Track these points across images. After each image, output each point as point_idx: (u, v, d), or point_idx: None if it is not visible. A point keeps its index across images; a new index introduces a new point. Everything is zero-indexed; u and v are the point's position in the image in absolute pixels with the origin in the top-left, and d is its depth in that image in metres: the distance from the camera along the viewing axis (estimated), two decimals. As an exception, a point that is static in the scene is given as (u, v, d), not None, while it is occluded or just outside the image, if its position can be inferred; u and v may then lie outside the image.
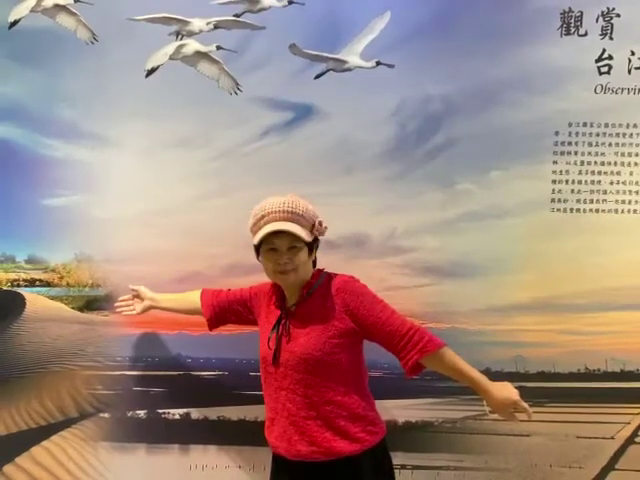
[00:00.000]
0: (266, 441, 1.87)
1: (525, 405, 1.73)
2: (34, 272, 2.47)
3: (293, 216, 1.74)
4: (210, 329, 2.11)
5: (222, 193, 2.42)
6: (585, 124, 2.39)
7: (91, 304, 2.48)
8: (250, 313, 2.00)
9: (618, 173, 2.42)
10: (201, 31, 2.34)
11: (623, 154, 2.41)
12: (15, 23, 2.34)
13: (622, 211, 2.43)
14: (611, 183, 2.42)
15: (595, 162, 2.41)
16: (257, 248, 1.79)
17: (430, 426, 2.48)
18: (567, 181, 2.42)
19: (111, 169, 2.42)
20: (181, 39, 2.35)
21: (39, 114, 2.39)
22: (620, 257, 2.42)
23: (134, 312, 2.22)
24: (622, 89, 2.37)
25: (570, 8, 2.32)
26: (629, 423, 2.47)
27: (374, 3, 2.33)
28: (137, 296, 2.23)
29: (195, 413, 2.48)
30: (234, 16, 2.34)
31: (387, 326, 1.75)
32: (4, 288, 2.48)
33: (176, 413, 2.48)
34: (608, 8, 2.33)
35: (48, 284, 2.47)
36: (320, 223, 1.79)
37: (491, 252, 2.43)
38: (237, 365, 2.46)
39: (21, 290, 2.48)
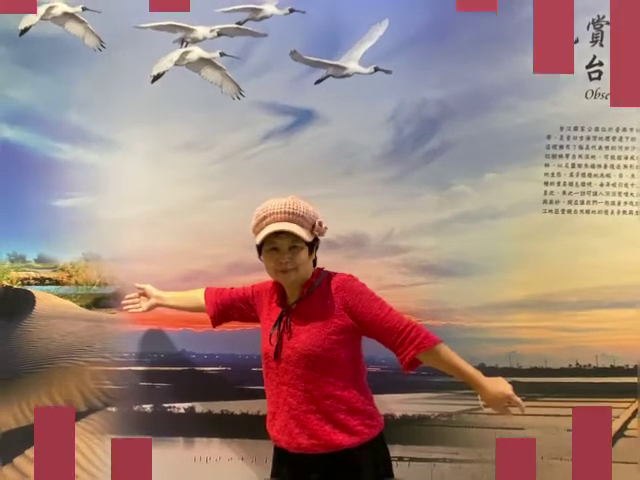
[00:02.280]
0: (268, 434, 1.89)
1: (518, 399, 1.76)
2: (44, 271, 2.48)
3: (294, 217, 1.77)
4: (214, 326, 2.14)
5: (225, 195, 2.44)
6: (576, 128, 2.41)
7: (99, 302, 2.50)
8: (252, 311, 2.03)
9: (608, 175, 2.44)
10: (205, 38, 2.37)
11: (613, 157, 2.43)
12: (26, 30, 2.38)
13: (612, 212, 2.45)
14: (601, 185, 2.44)
15: (585, 165, 2.44)
16: (259, 248, 1.82)
17: (426, 420, 2.49)
18: (559, 183, 2.44)
19: (118, 171, 2.45)
20: (186, 46, 2.38)
21: (49, 118, 2.41)
22: (610, 256, 2.43)
23: (140, 310, 2.23)
24: (612, 94, 2.39)
25: (562, 16, 2.36)
26: (618, 417, 2.47)
27: (373, 11, 2.36)
28: (143, 294, 2.25)
29: (199, 407, 2.50)
30: (237, 24, 2.37)
31: (385, 323, 1.78)
32: (15, 286, 2.50)
33: (181, 407, 2.50)
34: (599, 16, 2.36)
35: (57, 283, 2.49)
36: (320, 224, 1.82)
37: (486, 251, 2.45)
38: (240, 361, 2.48)
39: (31, 288, 2.50)
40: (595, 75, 2.40)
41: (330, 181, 2.43)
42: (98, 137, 2.44)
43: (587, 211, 2.46)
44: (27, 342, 2.48)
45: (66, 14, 2.38)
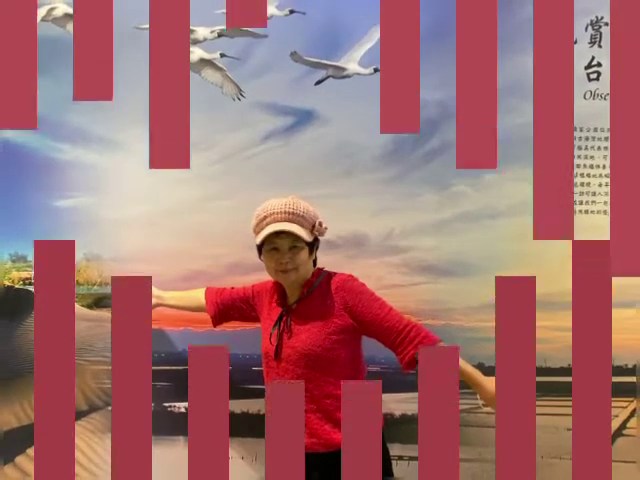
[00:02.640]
0: (268, 433, 1.93)
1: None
2: (45, 271, 2.51)
3: (294, 217, 1.77)
4: (214, 325, 2.13)
5: (225, 195, 2.45)
6: (575, 129, 2.37)
7: (100, 302, 2.51)
8: (252, 310, 2.03)
9: (607, 175, 2.44)
10: (205, 39, 2.38)
11: (612, 157, 2.45)
12: (26, 31, 2.40)
13: (611, 212, 2.47)
14: (600, 185, 2.46)
15: (584, 165, 2.45)
16: (259, 248, 1.82)
17: (426, 419, 2.52)
18: (558, 183, 2.47)
19: (119, 171, 2.46)
20: (186, 46, 2.41)
21: (49, 119, 2.41)
22: (609, 256, 2.46)
23: (141, 309, 2.28)
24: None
25: (561, 17, 2.38)
26: (617, 416, 2.48)
27: (372, 12, 2.32)
28: (144, 294, 2.29)
29: (200, 407, 2.54)
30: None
31: (385, 322, 1.78)
32: (16, 286, 2.51)
33: (181, 406, 2.51)
34: (597, 17, 2.38)
35: (58, 282, 2.51)
36: (320, 224, 1.82)
37: (485, 251, 2.46)
38: (240, 360, 2.49)
39: (33, 288, 2.46)
40: (594, 76, 2.42)
41: (330, 181, 2.45)
42: (98, 137, 2.45)
43: (586, 211, 2.48)
44: (28, 342, 2.48)
45: (67, 15, 2.38)
